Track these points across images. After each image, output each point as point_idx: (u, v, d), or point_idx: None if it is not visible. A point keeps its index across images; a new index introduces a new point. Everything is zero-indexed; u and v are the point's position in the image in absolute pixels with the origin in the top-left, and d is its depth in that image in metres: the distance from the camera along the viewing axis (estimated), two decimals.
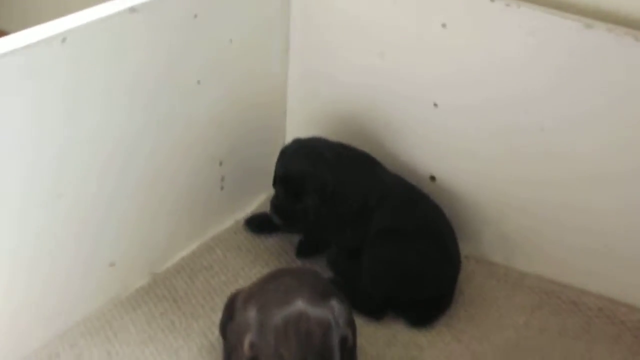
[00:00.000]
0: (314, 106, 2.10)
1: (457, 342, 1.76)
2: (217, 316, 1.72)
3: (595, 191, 1.81)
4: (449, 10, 1.83)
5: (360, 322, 1.66)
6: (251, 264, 1.93)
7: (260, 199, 2.10)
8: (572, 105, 1.77)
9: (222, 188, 2.01)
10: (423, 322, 1.80)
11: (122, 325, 1.76)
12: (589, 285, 1.87)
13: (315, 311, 1.41)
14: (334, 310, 1.44)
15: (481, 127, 1.88)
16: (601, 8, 1.75)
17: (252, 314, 1.42)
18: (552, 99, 1.78)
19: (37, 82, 1.52)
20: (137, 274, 1.86)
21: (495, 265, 1.96)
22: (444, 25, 1.84)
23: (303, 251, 1.98)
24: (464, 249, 1.92)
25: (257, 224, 2.03)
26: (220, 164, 1.98)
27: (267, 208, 1.93)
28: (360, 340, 1.62)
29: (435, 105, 1.91)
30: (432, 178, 1.98)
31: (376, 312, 1.81)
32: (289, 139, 2.02)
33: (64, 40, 1.53)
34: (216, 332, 1.72)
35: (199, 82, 1.84)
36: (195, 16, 1.78)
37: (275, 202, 1.87)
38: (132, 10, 1.64)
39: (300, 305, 1.41)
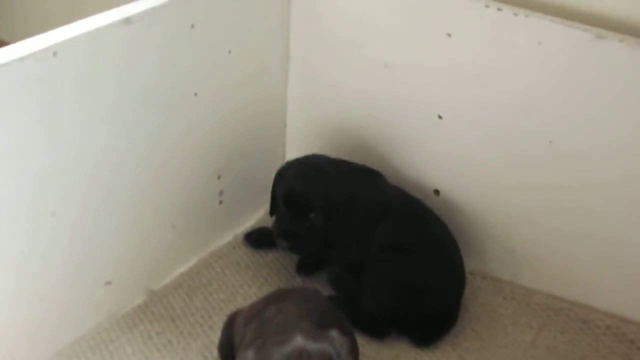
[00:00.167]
0: (315, 118, 2.08)
1: None
2: (216, 335, 1.71)
3: (602, 197, 1.78)
4: (454, 20, 1.81)
5: (362, 341, 1.64)
6: (250, 281, 1.92)
7: (259, 213, 2.08)
8: (583, 117, 1.74)
9: (220, 202, 1.99)
10: (427, 341, 1.78)
11: (118, 345, 1.74)
12: (597, 301, 1.85)
13: (315, 346, 1.39)
14: (334, 341, 1.42)
15: (487, 140, 1.86)
16: (611, 17, 1.72)
17: (250, 354, 1.39)
18: (561, 111, 1.76)
19: (31, 95, 1.50)
20: (133, 292, 1.84)
21: (502, 282, 1.94)
22: (449, 35, 1.81)
23: (303, 268, 1.95)
24: (469, 264, 1.90)
25: (256, 239, 2.01)
26: (219, 177, 1.96)
27: (266, 222, 1.92)
28: None
29: (440, 117, 1.90)
30: (436, 192, 1.96)
31: (379, 331, 1.78)
32: (289, 151, 2.02)
33: (55, 54, 1.51)
34: (214, 351, 1.70)
35: (196, 94, 1.82)
36: (193, 26, 1.76)
37: (280, 227, 1.82)
38: (128, 21, 1.62)
39: (299, 341, 1.39)
